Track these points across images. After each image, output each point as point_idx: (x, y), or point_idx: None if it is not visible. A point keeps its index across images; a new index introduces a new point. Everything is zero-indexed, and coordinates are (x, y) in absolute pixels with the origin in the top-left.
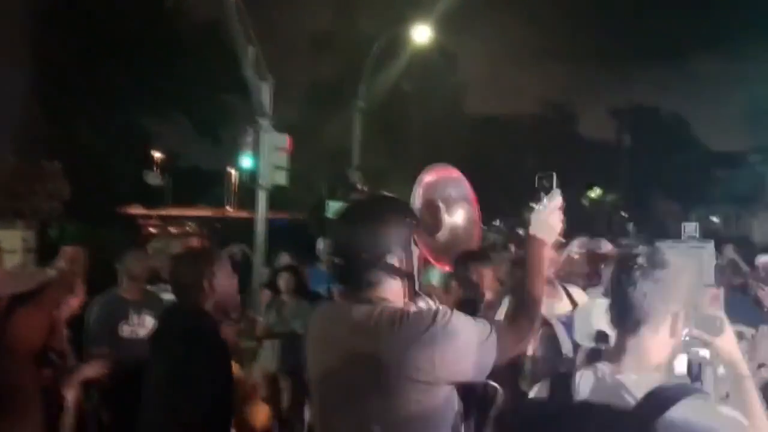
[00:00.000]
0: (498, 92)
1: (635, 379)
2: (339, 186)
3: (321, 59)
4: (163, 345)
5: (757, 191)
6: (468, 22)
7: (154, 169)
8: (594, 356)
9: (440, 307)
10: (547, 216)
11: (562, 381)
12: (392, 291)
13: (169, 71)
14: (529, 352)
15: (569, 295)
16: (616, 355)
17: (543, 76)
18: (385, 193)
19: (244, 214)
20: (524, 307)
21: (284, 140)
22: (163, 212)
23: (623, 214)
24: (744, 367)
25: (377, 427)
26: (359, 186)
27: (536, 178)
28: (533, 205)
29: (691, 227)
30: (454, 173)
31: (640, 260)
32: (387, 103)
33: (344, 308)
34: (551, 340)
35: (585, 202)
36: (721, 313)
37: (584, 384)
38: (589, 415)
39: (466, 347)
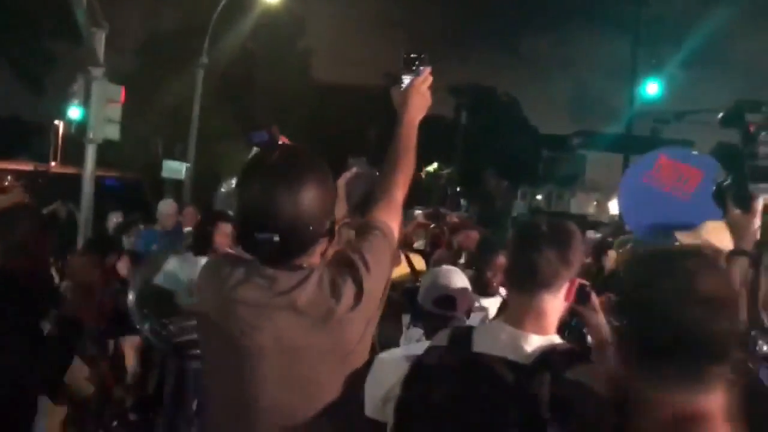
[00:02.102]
0: (344, 60)
1: (533, 339)
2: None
3: (163, 10)
4: None
5: (577, 172)
6: None
7: None
8: (439, 321)
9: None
10: (415, 92)
11: (462, 335)
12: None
13: None
14: None
15: (409, 262)
16: (515, 315)
17: (387, 49)
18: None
19: (70, 170)
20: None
21: (118, 92)
22: None
23: (457, 188)
24: (606, 332)
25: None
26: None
27: (402, 58)
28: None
29: (520, 205)
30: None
31: (544, 228)
32: (232, 62)
33: (268, 275)
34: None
35: (423, 175)
36: (588, 284)
37: (482, 339)
38: (486, 369)
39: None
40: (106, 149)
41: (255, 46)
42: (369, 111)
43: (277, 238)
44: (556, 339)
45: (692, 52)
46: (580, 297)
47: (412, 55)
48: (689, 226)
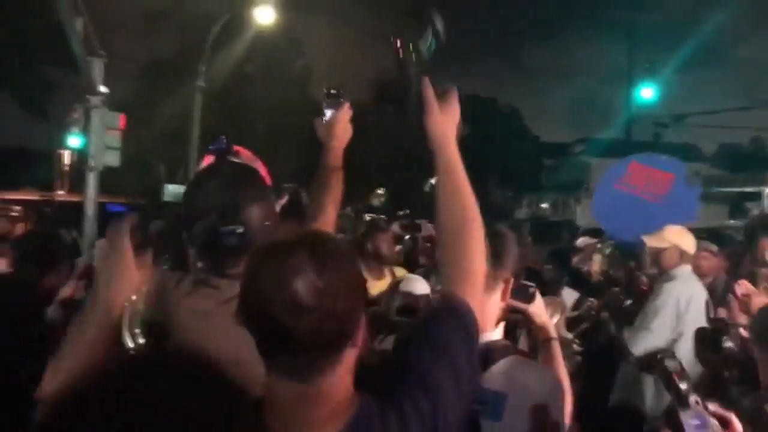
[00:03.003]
0: (343, 77)
1: None
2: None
3: (159, 36)
4: None
5: (581, 179)
6: (312, 4)
7: None
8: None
9: None
10: (338, 123)
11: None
12: None
13: None
14: None
15: (393, 275)
16: None
17: (387, 64)
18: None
19: (76, 197)
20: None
21: (117, 119)
22: None
23: None
24: (552, 330)
25: None
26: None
27: (324, 93)
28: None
29: (522, 214)
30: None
31: None
32: (230, 84)
33: (212, 284)
34: None
35: (426, 189)
36: (532, 284)
37: None
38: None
39: None
40: (108, 176)
41: (252, 68)
42: (370, 125)
43: (241, 230)
44: (493, 336)
45: (688, 55)
46: (526, 297)
47: (332, 91)
48: (661, 227)
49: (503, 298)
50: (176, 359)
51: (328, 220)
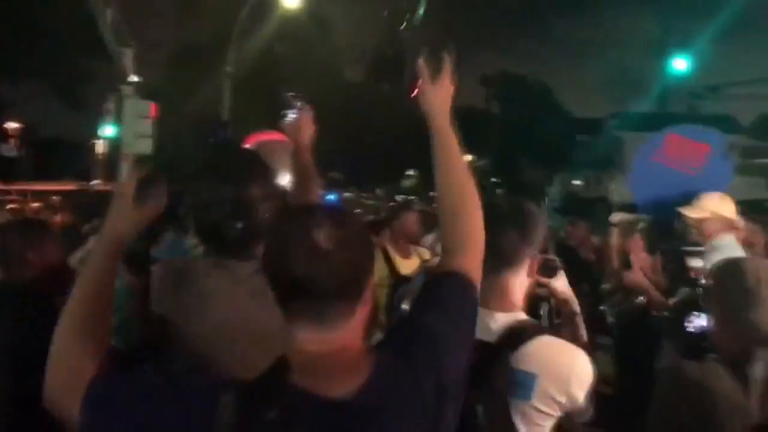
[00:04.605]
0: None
1: (499, 317)
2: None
3: (187, 22)
4: None
5: (615, 155)
6: None
7: (9, 140)
8: None
9: None
10: (299, 126)
11: None
12: None
13: (22, 34)
14: None
15: (419, 254)
16: (482, 296)
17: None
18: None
19: (111, 187)
20: None
21: (148, 107)
22: (22, 186)
23: (493, 179)
24: (576, 304)
25: None
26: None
27: (286, 97)
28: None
29: (554, 192)
30: (279, 137)
31: (504, 208)
32: (259, 68)
33: (224, 265)
34: None
35: None
36: (555, 258)
37: None
38: None
39: None
40: (144, 164)
41: (282, 50)
42: (401, 108)
43: (240, 225)
44: (521, 315)
45: (723, 24)
46: (548, 271)
47: (292, 95)
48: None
49: (530, 274)
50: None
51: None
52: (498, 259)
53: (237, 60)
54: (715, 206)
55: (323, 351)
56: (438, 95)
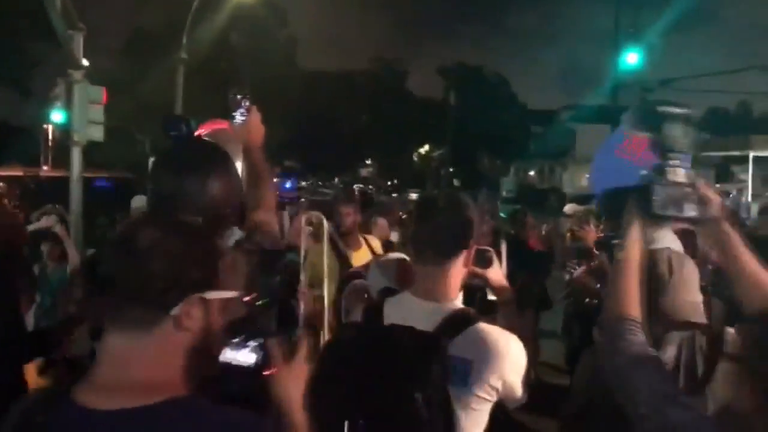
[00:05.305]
0: (329, 47)
1: (435, 306)
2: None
3: (140, 8)
4: None
5: (568, 146)
6: None
7: None
8: None
9: None
10: (248, 126)
11: (374, 309)
12: None
13: None
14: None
15: (368, 244)
16: (420, 286)
17: (372, 33)
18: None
19: (61, 173)
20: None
21: (100, 93)
22: None
23: (450, 169)
24: (509, 294)
25: None
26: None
27: (231, 99)
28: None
29: (509, 182)
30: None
31: (439, 201)
32: (214, 56)
33: None
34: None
35: (415, 158)
36: (489, 249)
37: (392, 311)
38: (396, 337)
39: None
40: (93, 150)
41: (237, 39)
42: (357, 95)
43: (201, 217)
44: (458, 304)
45: (674, 19)
46: (483, 262)
47: (238, 96)
48: None
49: (465, 264)
50: None
51: (268, 206)
52: (435, 251)
53: (191, 47)
54: None
55: (119, 358)
56: (293, 380)
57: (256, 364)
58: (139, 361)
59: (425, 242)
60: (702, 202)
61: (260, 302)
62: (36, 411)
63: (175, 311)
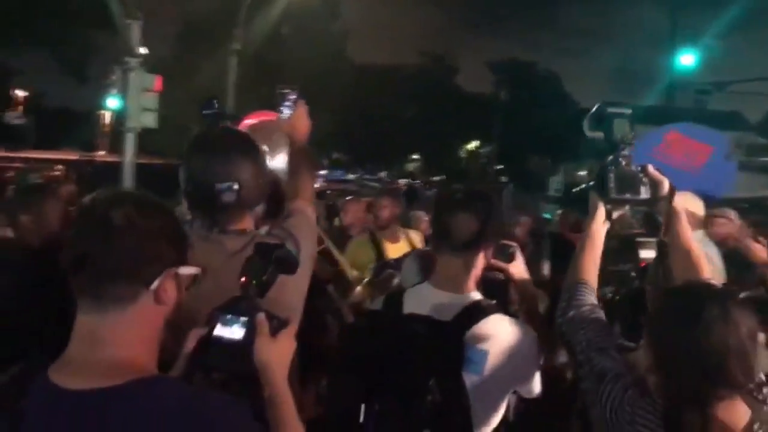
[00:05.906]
0: (379, 40)
1: (454, 298)
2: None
3: None
4: None
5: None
6: None
7: (17, 108)
8: None
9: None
10: (294, 120)
11: (394, 297)
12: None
13: (30, 4)
14: None
15: (408, 238)
16: (438, 277)
17: (423, 27)
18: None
19: (115, 158)
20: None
21: (153, 81)
22: (27, 155)
23: (497, 166)
24: (530, 288)
25: None
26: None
27: (278, 94)
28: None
29: (557, 182)
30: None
31: (459, 195)
32: (266, 47)
33: (216, 240)
34: None
35: (462, 154)
36: (512, 244)
37: (412, 300)
38: (414, 325)
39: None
40: (147, 137)
41: (289, 30)
42: (406, 89)
43: (236, 186)
44: (476, 296)
45: (732, 20)
46: (504, 256)
47: (285, 90)
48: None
49: (486, 258)
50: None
51: (306, 196)
52: (453, 243)
53: (243, 38)
54: (685, 203)
55: (93, 337)
56: (276, 351)
57: (243, 339)
58: (113, 340)
59: (444, 234)
60: (653, 184)
61: (254, 282)
62: (10, 390)
63: (154, 286)
